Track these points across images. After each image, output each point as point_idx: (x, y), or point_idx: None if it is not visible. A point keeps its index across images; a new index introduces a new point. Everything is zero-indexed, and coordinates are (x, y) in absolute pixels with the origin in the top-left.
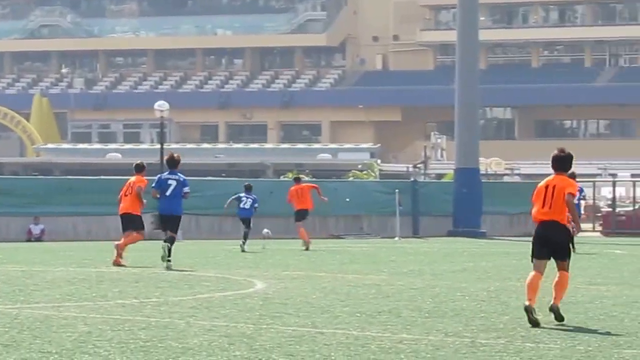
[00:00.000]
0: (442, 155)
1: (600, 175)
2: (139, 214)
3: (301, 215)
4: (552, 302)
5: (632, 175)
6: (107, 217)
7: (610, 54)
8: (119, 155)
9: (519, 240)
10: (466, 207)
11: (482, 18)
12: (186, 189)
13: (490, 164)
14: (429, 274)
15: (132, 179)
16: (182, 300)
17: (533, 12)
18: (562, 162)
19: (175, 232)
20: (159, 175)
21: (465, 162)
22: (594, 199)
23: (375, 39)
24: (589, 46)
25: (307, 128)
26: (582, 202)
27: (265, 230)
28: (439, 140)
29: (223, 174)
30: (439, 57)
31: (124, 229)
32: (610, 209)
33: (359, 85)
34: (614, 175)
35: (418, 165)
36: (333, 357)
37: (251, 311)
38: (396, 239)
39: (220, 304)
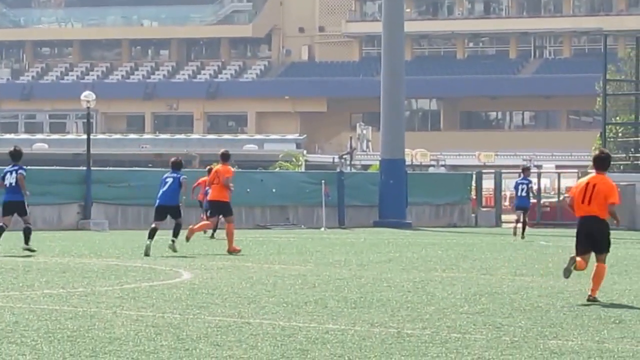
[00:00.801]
0: (367, 147)
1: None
2: (227, 200)
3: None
4: (589, 294)
5: (557, 167)
6: (34, 207)
7: (535, 46)
8: (46, 146)
9: (444, 231)
10: (392, 198)
11: (407, 9)
12: (182, 179)
13: (415, 155)
14: (355, 264)
15: (218, 166)
16: (109, 290)
17: (458, 4)
18: (602, 162)
19: (178, 218)
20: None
21: (391, 153)
22: None
23: (301, 30)
24: (514, 38)
25: (233, 119)
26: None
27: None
28: (364, 131)
29: (149, 165)
30: (365, 48)
31: (212, 215)
32: (534, 200)
33: (285, 76)
34: (539, 167)
35: (344, 156)
36: (260, 347)
37: (178, 301)
38: (322, 229)
39: (147, 294)
